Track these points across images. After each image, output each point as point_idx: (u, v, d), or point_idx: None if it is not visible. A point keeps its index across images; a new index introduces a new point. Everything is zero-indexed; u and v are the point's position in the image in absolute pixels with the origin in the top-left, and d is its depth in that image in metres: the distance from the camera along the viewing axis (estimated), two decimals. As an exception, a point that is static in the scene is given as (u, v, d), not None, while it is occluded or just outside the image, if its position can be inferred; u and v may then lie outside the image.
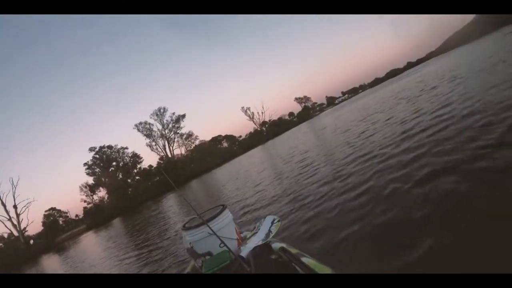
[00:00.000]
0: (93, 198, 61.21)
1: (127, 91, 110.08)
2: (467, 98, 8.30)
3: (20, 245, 50.22)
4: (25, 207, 55.75)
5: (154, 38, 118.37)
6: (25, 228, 53.36)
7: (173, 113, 69.94)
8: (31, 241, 52.67)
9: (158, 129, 69.35)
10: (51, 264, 22.51)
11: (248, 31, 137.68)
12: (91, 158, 62.83)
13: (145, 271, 6.99)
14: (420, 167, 4.91)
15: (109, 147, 64.30)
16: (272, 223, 3.22)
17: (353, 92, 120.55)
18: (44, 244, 49.99)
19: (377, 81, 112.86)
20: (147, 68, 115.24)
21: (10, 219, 52.59)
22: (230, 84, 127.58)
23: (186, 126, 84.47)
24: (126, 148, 65.93)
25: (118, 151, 65.07)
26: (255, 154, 34.60)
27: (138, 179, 62.88)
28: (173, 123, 69.86)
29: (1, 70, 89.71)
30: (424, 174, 4.52)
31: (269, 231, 3.06)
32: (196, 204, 14.45)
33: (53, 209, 59.08)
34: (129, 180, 63.17)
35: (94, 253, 15.94)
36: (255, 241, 2.87)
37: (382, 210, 4.02)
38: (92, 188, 61.32)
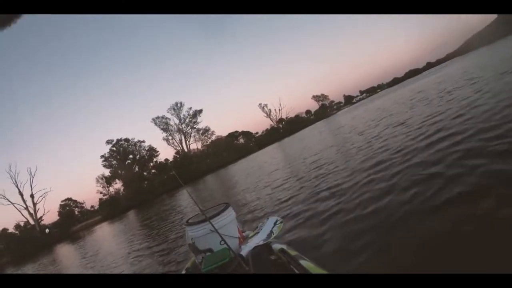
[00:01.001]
0: (109, 190, 61.96)
1: (146, 86, 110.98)
2: (486, 101, 7.98)
3: (36, 234, 51.15)
4: (42, 197, 56.56)
5: (173, 34, 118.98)
6: (41, 217, 54.59)
7: (190, 108, 70.26)
8: (47, 230, 53.59)
9: (175, 124, 69.80)
10: (64, 254, 22.75)
11: (267, 28, 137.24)
12: (108, 151, 63.51)
13: (147, 269, 6.99)
14: (442, 183, 4.30)
15: (126, 140, 64.86)
16: (275, 223, 3.23)
17: (371, 91, 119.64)
18: (60, 233, 50.89)
19: (395, 81, 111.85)
20: (167, 64, 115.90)
21: (26, 208, 53.79)
22: (248, 81, 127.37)
23: (203, 121, 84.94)
24: (143, 141, 66.40)
25: (135, 144, 65.59)
26: (271, 151, 34.45)
27: (154, 172, 63.38)
28: (190, 118, 70.21)
29: (24, 63, 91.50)
30: (450, 192, 3.93)
31: (271, 231, 3.07)
32: (210, 199, 14.50)
33: (69, 199, 60.02)
34: (145, 173, 63.64)
35: (105, 246, 16.09)
36: (256, 240, 2.89)
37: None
38: (108, 180, 61.99)
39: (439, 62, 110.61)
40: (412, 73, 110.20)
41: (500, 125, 5.60)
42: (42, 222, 54.69)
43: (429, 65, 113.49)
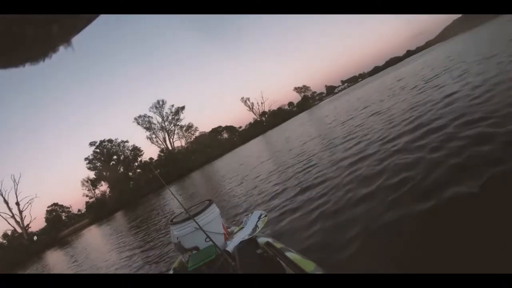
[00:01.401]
0: (95, 192, 61.24)
1: (127, 85, 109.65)
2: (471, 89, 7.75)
3: (24, 242, 50.38)
4: (28, 204, 55.89)
5: (152, 32, 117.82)
6: (28, 224, 53.71)
7: (172, 105, 69.61)
8: (35, 237, 52.77)
9: (158, 122, 69.02)
10: (54, 261, 22.60)
11: (247, 23, 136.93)
12: (92, 153, 62.51)
13: (139, 270, 6.93)
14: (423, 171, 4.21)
15: (110, 141, 63.92)
16: (259, 218, 3.26)
17: (353, 81, 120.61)
18: (48, 239, 50.12)
19: (376, 70, 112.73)
20: (146, 62, 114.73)
21: (13, 216, 52.78)
22: (229, 75, 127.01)
23: (185, 118, 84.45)
24: (127, 141, 65.53)
25: (118, 144, 64.67)
26: (255, 145, 34.58)
27: (139, 172, 62.87)
28: (173, 115, 69.48)
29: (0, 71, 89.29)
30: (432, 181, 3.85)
31: (256, 225, 3.10)
32: (196, 196, 14.55)
33: (55, 204, 59.35)
34: (130, 174, 63.05)
35: (92, 251, 16.00)
36: (241, 235, 2.91)
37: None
38: (93, 183, 61.16)
39: (419, 49, 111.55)
40: (393, 62, 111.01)
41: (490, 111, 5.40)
42: (30, 230, 53.89)
43: (409, 53, 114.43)
